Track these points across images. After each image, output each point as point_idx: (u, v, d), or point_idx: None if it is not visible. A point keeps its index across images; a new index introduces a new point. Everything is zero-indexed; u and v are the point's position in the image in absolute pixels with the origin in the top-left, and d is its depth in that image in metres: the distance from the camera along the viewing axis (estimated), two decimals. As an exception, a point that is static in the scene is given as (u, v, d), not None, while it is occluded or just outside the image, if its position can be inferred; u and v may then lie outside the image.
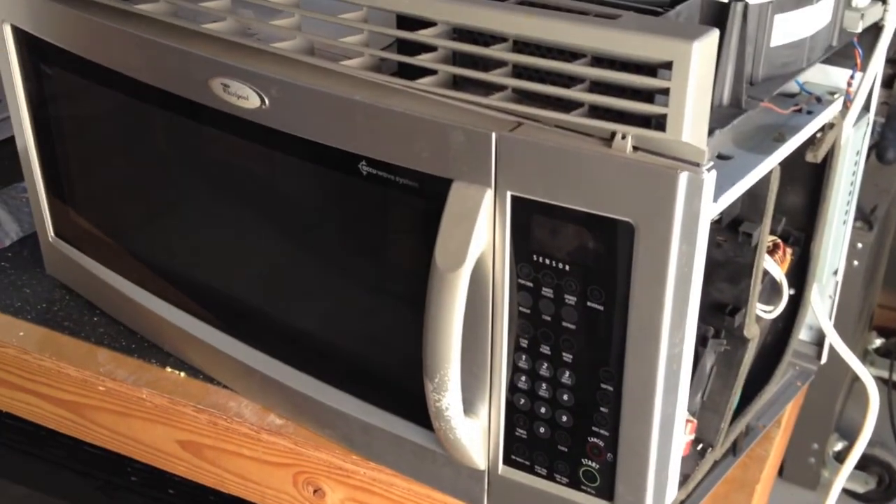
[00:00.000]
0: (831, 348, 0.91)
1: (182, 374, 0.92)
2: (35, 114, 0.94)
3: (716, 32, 0.55)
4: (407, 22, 0.66)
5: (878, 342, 2.02)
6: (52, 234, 1.00)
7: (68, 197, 0.97)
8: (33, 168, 0.97)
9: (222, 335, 0.88)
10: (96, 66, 0.83)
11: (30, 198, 1.01)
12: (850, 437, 1.85)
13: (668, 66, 0.56)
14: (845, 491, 1.85)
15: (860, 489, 1.85)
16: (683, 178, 0.57)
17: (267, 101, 0.71)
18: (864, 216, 1.57)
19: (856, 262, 1.57)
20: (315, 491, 0.86)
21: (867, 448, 1.73)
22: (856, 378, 1.92)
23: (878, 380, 1.84)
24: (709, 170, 0.58)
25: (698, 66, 0.55)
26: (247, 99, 0.72)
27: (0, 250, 1.09)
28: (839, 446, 1.84)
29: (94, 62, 0.83)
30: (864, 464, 1.83)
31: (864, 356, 1.99)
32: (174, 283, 0.91)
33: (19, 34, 0.90)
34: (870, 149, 1.42)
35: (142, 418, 0.92)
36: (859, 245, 1.56)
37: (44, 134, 0.95)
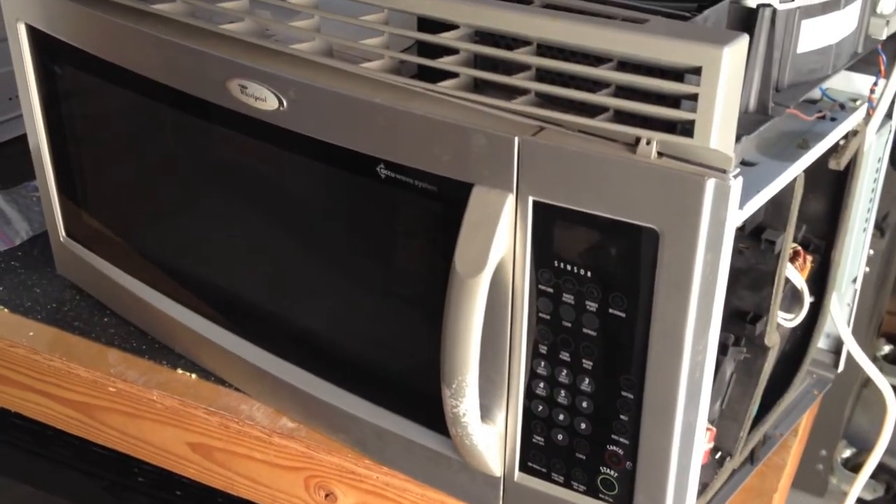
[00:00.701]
0: (846, 356, 0.91)
1: (193, 375, 0.91)
2: (48, 112, 0.94)
3: (745, 38, 0.55)
4: (428, 24, 0.66)
5: (886, 349, 2.01)
6: (64, 233, 1.00)
7: (80, 197, 0.97)
8: (45, 167, 0.96)
9: (235, 337, 0.88)
10: (110, 66, 0.82)
11: (41, 197, 1.00)
12: (858, 444, 1.84)
13: (696, 71, 0.55)
14: (852, 498, 1.84)
15: (868, 496, 1.83)
16: (710, 184, 0.57)
17: (285, 103, 0.71)
18: (876, 223, 1.56)
19: (867, 269, 1.56)
20: (327, 495, 0.86)
21: (876, 455, 1.71)
22: (864, 385, 1.91)
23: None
24: (735, 177, 0.57)
25: (728, 72, 0.54)
26: (264, 101, 0.72)
27: (10, 249, 1.08)
28: (847, 453, 1.83)
29: (108, 62, 0.82)
30: (873, 471, 1.82)
31: (873, 363, 1.98)
32: (186, 285, 0.91)
33: (34, 33, 0.89)
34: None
35: (152, 420, 0.91)
36: (871, 252, 1.55)
37: (56, 133, 0.95)
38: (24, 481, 1.18)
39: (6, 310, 0.99)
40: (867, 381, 1.87)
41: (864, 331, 1.66)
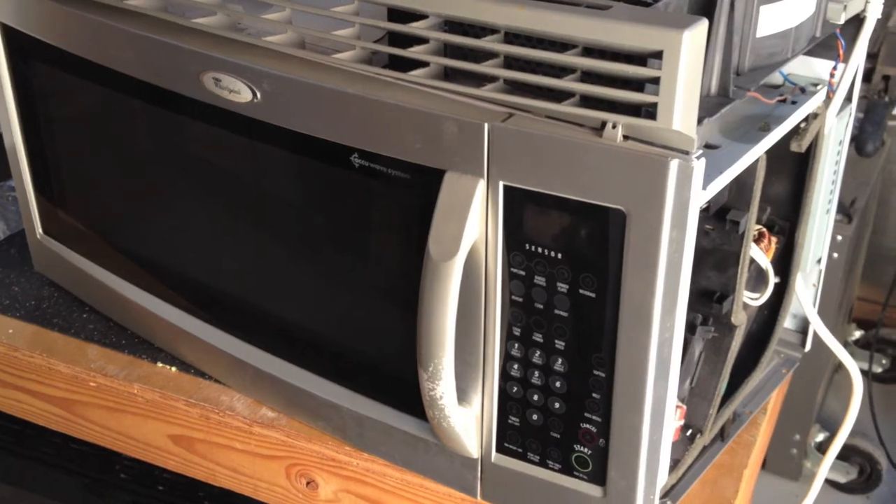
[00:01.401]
0: (814, 338, 0.93)
1: (173, 368, 0.92)
2: (22, 110, 0.94)
3: (705, 22, 0.57)
4: (398, 15, 0.67)
5: (857, 334, 2.05)
6: (41, 231, 1.00)
7: (56, 194, 0.97)
8: (21, 165, 0.97)
9: (213, 329, 0.89)
10: (85, 62, 0.83)
11: (17, 195, 1.01)
12: (832, 428, 1.88)
13: (658, 55, 0.57)
14: (827, 481, 1.87)
15: (842, 479, 1.87)
16: (674, 165, 0.58)
17: (259, 95, 0.72)
18: (844, 209, 1.59)
19: (835, 255, 1.59)
20: (308, 483, 0.87)
21: (849, 439, 1.75)
22: (836, 370, 1.95)
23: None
24: (698, 157, 0.59)
25: (688, 55, 0.56)
26: (238, 93, 0.73)
27: (-13, 248, 1.09)
28: (821, 437, 1.87)
29: (82, 58, 0.83)
30: (846, 454, 1.85)
31: (844, 348, 2.02)
32: (164, 279, 0.92)
33: (6, 31, 0.90)
34: (849, 142, 1.45)
35: (133, 413, 0.92)
36: (839, 237, 1.58)
37: (31, 130, 0.95)
38: (5, 481, 1.18)
39: (-15, 308, 1.00)
40: (839, 366, 1.91)
41: (835, 316, 1.69)
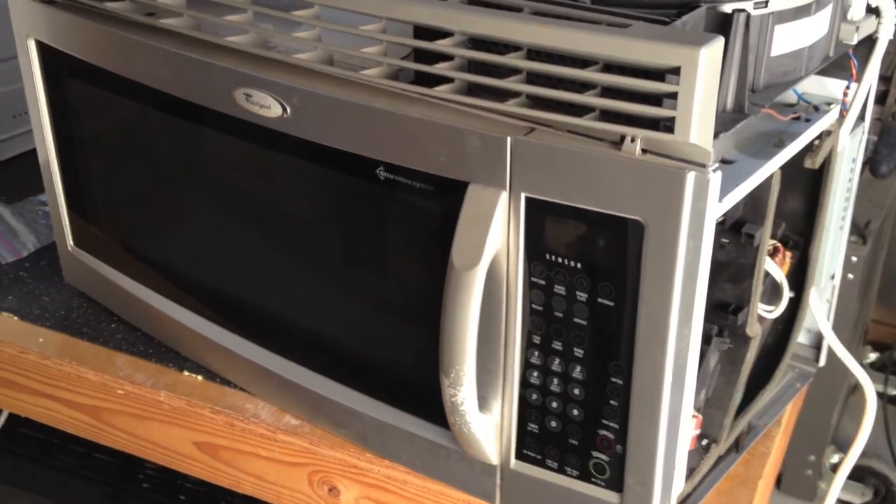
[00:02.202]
0: (829, 356, 0.94)
1: (199, 377, 0.94)
2: (57, 126, 0.97)
3: (721, 40, 0.59)
4: (424, 32, 0.70)
5: (872, 356, 2.05)
6: (72, 243, 1.03)
7: (88, 207, 1.00)
8: (55, 180, 1.00)
9: (239, 339, 0.91)
10: (118, 79, 0.86)
11: (50, 209, 1.03)
12: (847, 450, 1.87)
13: (676, 71, 0.59)
14: (842, 502, 1.87)
15: (857, 500, 1.87)
16: (691, 177, 0.61)
17: (288, 110, 0.74)
18: (859, 230, 1.60)
19: (850, 276, 1.60)
20: (330, 490, 0.89)
21: (864, 460, 1.75)
22: (851, 392, 1.95)
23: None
24: (714, 170, 0.61)
25: (705, 71, 0.58)
26: (269, 108, 0.75)
27: (18, 261, 1.11)
28: (836, 458, 1.87)
29: (116, 75, 0.86)
30: (861, 475, 1.85)
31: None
32: (192, 290, 0.94)
33: (42, 48, 0.93)
34: (863, 164, 1.46)
35: (159, 421, 0.94)
36: (854, 259, 1.59)
37: (65, 146, 0.98)
38: (29, 490, 1.21)
39: (16, 318, 1.02)
40: (854, 388, 1.91)
41: (850, 337, 1.70)
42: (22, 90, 0.97)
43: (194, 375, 0.94)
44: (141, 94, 0.85)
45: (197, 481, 1.02)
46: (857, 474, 1.83)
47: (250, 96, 0.76)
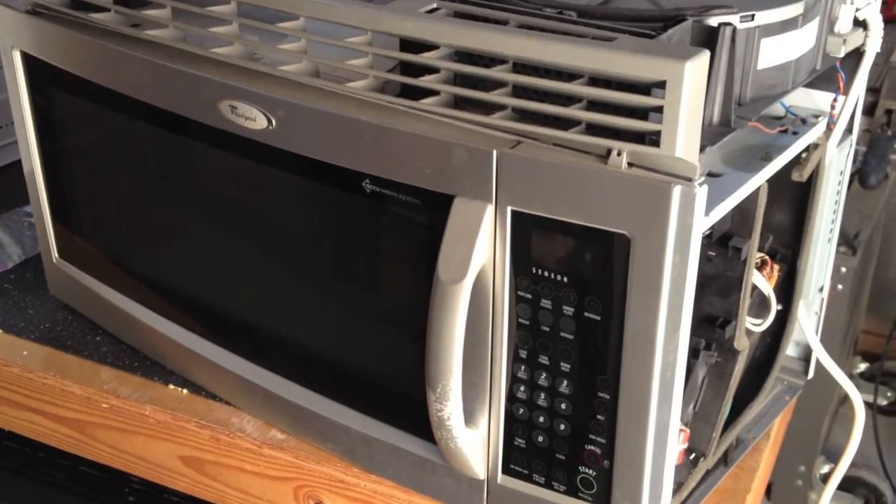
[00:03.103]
0: (818, 367, 0.94)
1: (185, 391, 0.94)
2: (42, 138, 0.97)
3: (706, 53, 0.59)
4: (410, 45, 0.69)
5: (862, 367, 2.05)
6: (56, 255, 1.02)
7: (73, 219, 0.99)
8: (39, 191, 0.99)
9: (224, 352, 0.90)
10: (103, 90, 0.86)
11: (35, 220, 1.03)
12: (837, 460, 1.87)
13: (661, 85, 0.59)
14: (832, 513, 1.87)
15: (847, 511, 1.87)
16: (677, 191, 0.60)
17: (274, 122, 0.74)
18: (848, 241, 1.60)
19: (840, 287, 1.60)
20: (316, 504, 0.88)
21: (853, 470, 1.75)
22: (842, 402, 1.95)
23: (864, 404, 1.86)
24: (700, 184, 0.61)
25: (691, 85, 0.58)
26: (254, 120, 0.75)
27: (3, 272, 1.10)
28: (826, 469, 1.86)
29: (101, 86, 0.86)
30: (851, 486, 1.85)
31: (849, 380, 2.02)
32: (177, 303, 0.93)
33: (27, 59, 0.92)
34: (852, 175, 1.46)
35: (144, 435, 0.93)
36: (843, 269, 1.59)
37: (50, 157, 0.97)
38: (15, 503, 1.19)
39: (0, 330, 1.01)
40: (844, 399, 1.91)
41: (840, 348, 1.70)
42: (7, 101, 0.97)
43: (179, 389, 0.94)
44: (126, 106, 0.85)
45: (183, 495, 1.01)
46: (847, 485, 1.83)
47: (235, 108, 0.76)
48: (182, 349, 0.93)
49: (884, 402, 2.03)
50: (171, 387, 0.94)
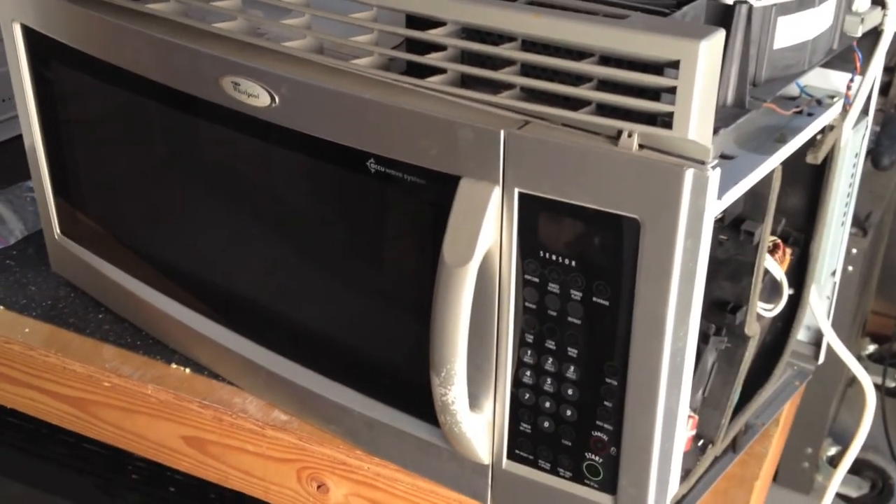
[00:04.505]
0: (828, 350, 0.93)
1: (187, 370, 0.93)
2: (43, 112, 0.95)
3: (722, 32, 0.57)
4: (416, 21, 0.68)
5: (871, 348, 2.04)
6: (58, 231, 1.01)
7: (74, 195, 0.98)
8: (40, 166, 0.98)
9: (228, 332, 0.89)
10: (105, 65, 0.84)
11: (36, 196, 1.01)
12: (844, 442, 1.87)
13: (675, 65, 0.57)
14: (839, 495, 1.86)
15: (853, 493, 1.86)
16: (689, 174, 0.59)
17: (277, 100, 0.73)
18: (859, 222, 1.59)
19: (850, 268, 1.58)
20: (319, 486, 0.87)
21: (861, 453, 1.75)
22: (849, 384, 1.94)
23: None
24: (713, 167, 0.59)
25: (705, 65, 0.56)
26: (257, 97, 0.73)
27: (5, 248, 1.09)
28: (833, 451, 1.86)
29: (103, 61, 0.84)
30: (858, 468, 1.84)
31: (858, 362, 2.01)
32: (180, 281, 0.92)
33: (29, 33, 0.91)
34: (865, 156, 1.44)
35: (147, 414, 0.93)
36: (854, 251, 1.58)
37: (51, 132, 0.96)
38: (18, 480, 1.19)
39: (1, 307, 1.00)
40: (852, 380, 1.90)
41: (849, 329, 1.69)
42: (7, 74, 0.95)
43: (182, 368, 0.93)
44: (128, 81, 0.83)
45: (186, 472, 1.00)
46: (854, 467, 1.82)
47: (238, 85, 0.74)
48: (185, 328, 0.92)
49: (892, 385, 2.02)
50: (174, 366, 0.93)
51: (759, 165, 0.68)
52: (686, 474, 0.76)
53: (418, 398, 0.75)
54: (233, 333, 0.89)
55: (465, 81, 0.68)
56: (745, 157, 0.69)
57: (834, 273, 0.90)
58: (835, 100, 0.78)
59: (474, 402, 0.73)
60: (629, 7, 0.62)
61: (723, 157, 0.68)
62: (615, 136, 0.61)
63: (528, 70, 0.65)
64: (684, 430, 0.70)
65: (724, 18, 0.64)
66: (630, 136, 0.60)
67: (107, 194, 0.96)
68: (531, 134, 0.63)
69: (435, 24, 0.67)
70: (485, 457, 0.75)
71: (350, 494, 0.86)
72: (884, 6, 0.76)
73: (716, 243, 0.70)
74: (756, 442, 0.85)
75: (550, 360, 0.69)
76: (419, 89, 0.68)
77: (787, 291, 0.79)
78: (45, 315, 1.00)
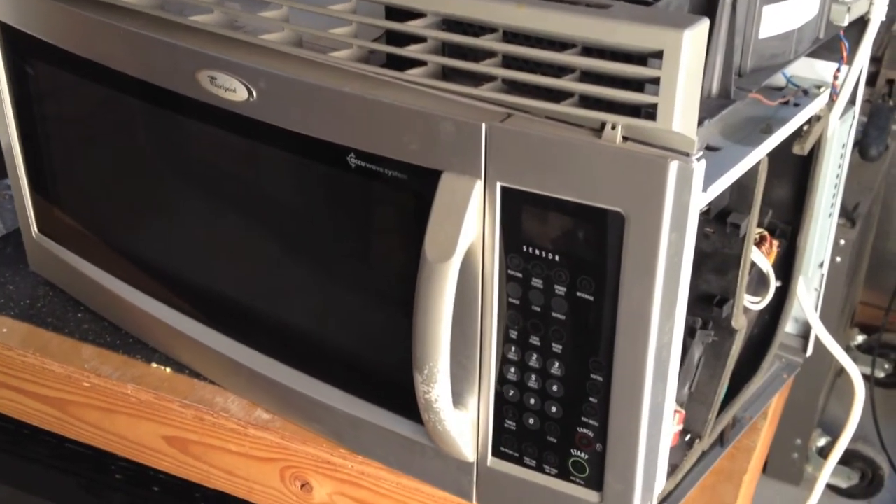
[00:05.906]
0: (816, 342, 0.92)
1: (168, 369, 0.91)
2: (19, 108, 0.94)
3: (706, 22, 0.56)
4: (395, 13, 0.66)
5: (860, 339, 2.04)
6: (36, 230, 1.00)
7: (52, 193, 0.97)
8: (17, 164, 0.96)
9: (209, 330, 0.88)
10: (81, 60, 0.83)
11: (14, 194, 1.00)
12: (833, 432, 1.87)
13: (658, 55, 0.56)
14: (828, 486, 1.86)
15: (843, 484, 1.86)
16: (673, 167, 0.58)
17: (254, 94, 0.71)
18: (847, 213, 1.58)
19: (838, 259, 1.58)
20: (303, 485, 0.86)
21: (850, 443, 1.74)
22: (838, 374, 1.94)
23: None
24: (698, 159, 0.58)
25: (689, 55, 0.55)
26: (234, 91, 0.72)
27: (-17, 247, 1.08)
28: (822, 442, 1.85)
29: (79, 56, 0.83)
30: (847, 459, 1.84)
31: (847, 353, 2.01)
32: (160, 279, 0.91)
33: (3, 28, 0.89)
34: (853, 146, 1.43)
35: (127, 414, 0.91)
36: (842, 242, 1.57)
37: (28, 129, 0.95)
38: (1, 481, 1.18)
39: (-21, 307, 0.99)
40: (841, 371, 1.89)
41: (837, 320, 1.68)
42: (-18, 71, 0.94)
43: (163, 367, 0.91)
44: (105, 76, 0.82)
45: (170, 473, 0.99)
46: (844, 458, 1.82)
47: (215, 79, 0.73)
48: (165, 327, 0.91)
49: (881, 375, 2.02)
50: (154, 365, 0.92)
51: (744, 157, 0.67)
52: (673, 469, 0.75)
53: (402, 396, 0.74)
54: (214, 332, 0.88)
55: (447, 74, 0.66)
56: (730, 148, 0.68)
57: (822, 265, 0.89)
58: (821, 90, 0.77)
59: (458, 399, 0.72)
60: (612, -4, 0.61)
61: (708, 148, 0.67)
62: (598, 129, 0.60)
63: (510, 62, 0.64)
64: (671, 425, 0.69)
65: (708, 7, 0.63)
66: (614, 128, 0.59)
67: (85, 192, 0.95)
68: (513, 127, 0.62)
69: (415, 15, 0.65)
70: (469, 454, 0.74)
71: (334, 493, 0.85)
72: (870, -6, 0.75)
73: (701, 236, 0.69)
74: (744, 436, 0.85)
75: (535, 356, 0.68)
76: (399, 82, 0.67)
77: (774, 284, 0.78)
78: (23, 314, 0.98)
